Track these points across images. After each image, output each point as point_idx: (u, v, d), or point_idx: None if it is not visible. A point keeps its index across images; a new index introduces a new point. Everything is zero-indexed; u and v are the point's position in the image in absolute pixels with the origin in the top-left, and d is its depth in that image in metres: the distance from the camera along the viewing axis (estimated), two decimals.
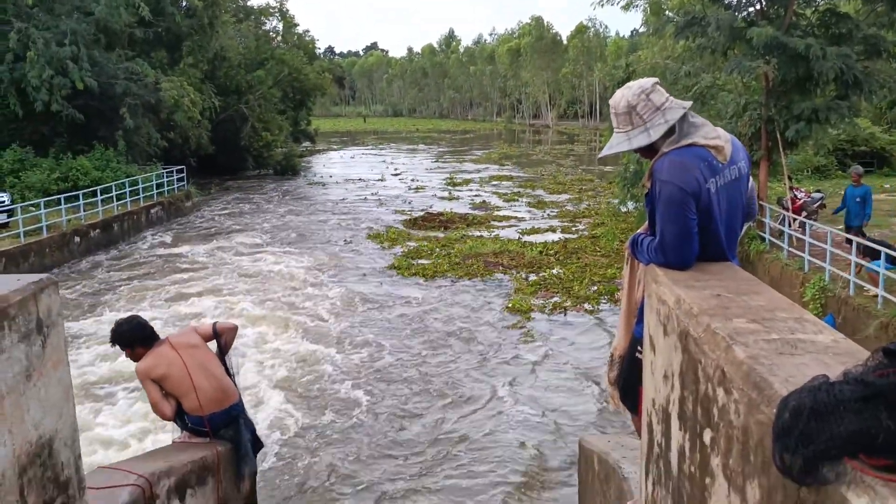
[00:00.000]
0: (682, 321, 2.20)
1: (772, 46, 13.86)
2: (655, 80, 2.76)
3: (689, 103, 2.71)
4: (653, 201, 2.67)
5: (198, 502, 4.28)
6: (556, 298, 14.51)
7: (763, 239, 15.23)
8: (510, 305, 14.04)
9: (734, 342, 1.87)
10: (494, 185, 33.83)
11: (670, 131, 2.64)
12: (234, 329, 5.09)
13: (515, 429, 8.88)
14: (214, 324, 5.01)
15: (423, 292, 15.17)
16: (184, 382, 4.53)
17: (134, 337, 4.65)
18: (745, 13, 15.86)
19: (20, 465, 2.56)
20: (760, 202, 16.06)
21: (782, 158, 15.74)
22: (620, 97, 2.73)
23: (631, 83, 2.77)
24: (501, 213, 25.45)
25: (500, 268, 17.15)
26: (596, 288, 15.16)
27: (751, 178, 2.91)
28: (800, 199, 15.60)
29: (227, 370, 4.87)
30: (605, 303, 14.22)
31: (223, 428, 4.75)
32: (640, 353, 2.86)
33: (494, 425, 8.97)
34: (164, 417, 4.64)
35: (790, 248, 13.87)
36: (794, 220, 14.97)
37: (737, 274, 2.59)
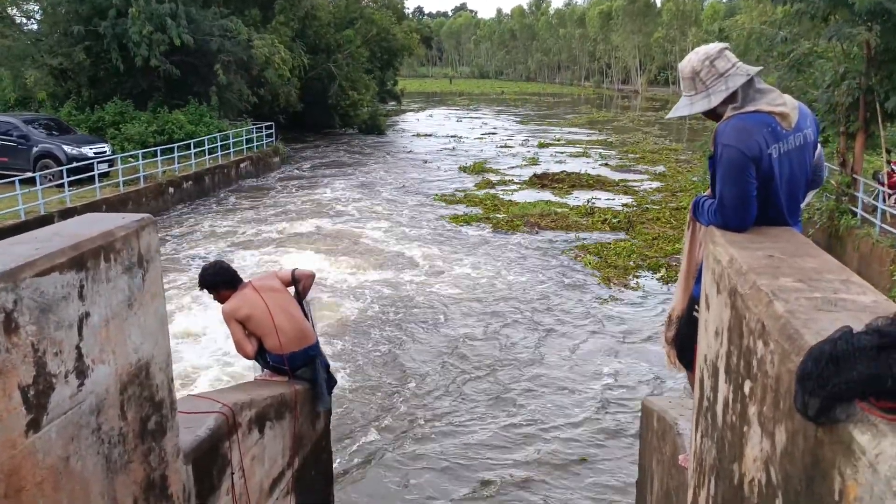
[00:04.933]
0: (733, 279, 2.29)
1: (875, 12, 13.21)
2: (724, 45, 2.81)
3: (755, 69, 2.75)
4: (715, 164, 2.74)
5: (276, 434, 4.60)
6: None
7: (855, 214, 14.70)
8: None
9: (776, 298, 1.96)
10: (579, 150, 33.57)
11: (734, 97, 2.70)
12: (312, 276, 5.36)
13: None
14: (294, 270, 5.30)
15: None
16: (265, 322, 4.83)
17: (218, 280, 4.96)
18: None
19: (121, 383, 2.86)
20: (855, 176, 15.47)
21: (881, 131, 15.08)
22: (687, 62, 2.79)
23: (699, 48, 2.83)
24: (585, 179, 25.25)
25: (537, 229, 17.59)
26: (633, 262, 14.81)
27: (819, 146, 2.94)
28: None
29: (304, 313, 5.16)
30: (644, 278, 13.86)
31: (301, 367, 5.05)
32: (698, 312, 2.95)
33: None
34: (246, 356, 4.95)
35: (883, 225, 13.36)
36: (890, 195, 14.38)
37: (793, 237, 2.64)
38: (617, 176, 25.51)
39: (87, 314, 2.60)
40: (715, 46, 2.82)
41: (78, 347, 2.56)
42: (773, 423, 1.82)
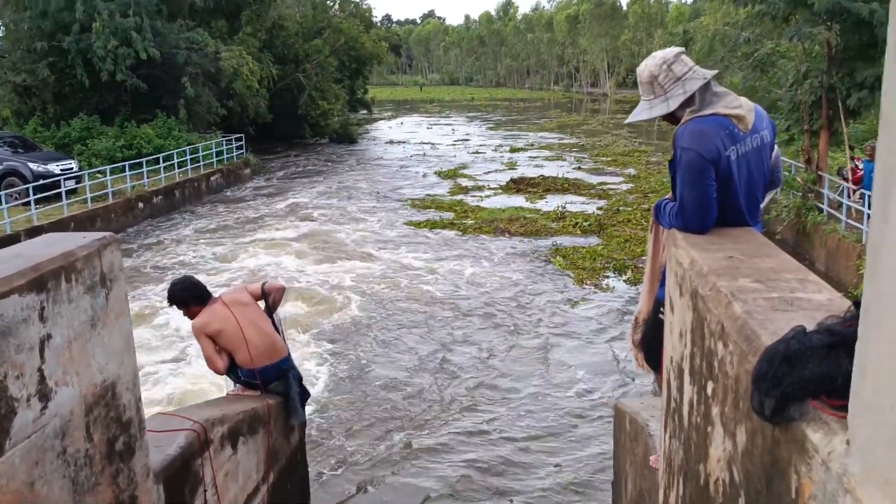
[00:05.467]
0: (694, 281, 2.32)
1: (834, 12, 13.46)
2: (680, 49, 2.85)
3: (711, 73, 2.79)
4: (675, 168, 2.78)
5: (249, 449, 4.56)
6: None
7: (821, 210, 14.93)
8: None
9: (734, 299, 1.99)
10: (552, 154, 33.77)
11: (691, 100, 2.74)
12: (282, 289, 5.34)
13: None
14: (263, 283, 5.27)
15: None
16: (236, 337, 4.80)
17: (187, 296, 4.93)
18: None
19: (86, 405, 2.83)
20: (820, 173, 15.72)
21: (844, 128, 15.36)
22: (644, 67, 2.83)
23: (656, 53, 2.87)
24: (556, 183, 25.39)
25: (507, 234, 17.65)
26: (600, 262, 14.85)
27: (776, 147, 2.99)
28: (861, 170, 15.20)
29: (275, 327, 5.13)
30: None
31: (274, 381, 5.02)
32: (663, 314, 2.98)
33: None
34: (217, 371, 4.92)
35: (849, 221, 13.58)
36: (854, 191, 14.63)
37: (753, 238, 2.68)
38: (591, 179, 25.65)
39: (49, 336, 2.57)
40: (672, 51, 2.86)
41: (40, 370, 2.52)
42: (734, 424, 1.84)
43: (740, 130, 2.71)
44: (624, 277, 13.81)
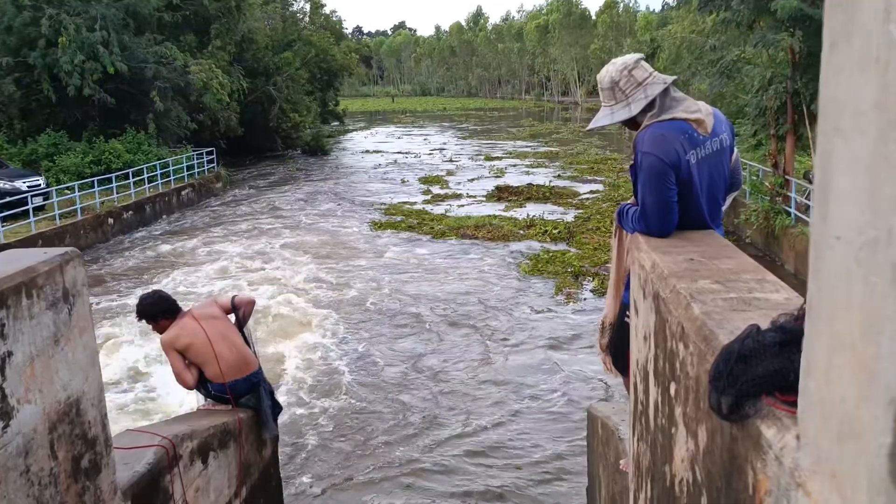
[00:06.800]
0: (656, 284, 2.34)
1: (797, 18, 13.69)
2: (640, 55, 2.89)
3: (671, 78, 2.83)
4: (636, 172, 2.81)
5: (220, 464, 4.52)
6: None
7: (789, 214, 15.15)
8: None
9: (693, 300, 2.01)
10: (531, 162, 33.96)
11: (651, 105, 2.77)
12: (252, 302, 5.31)
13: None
14: (233, 297, 5.24)
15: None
16: (206, 351, 4.76)
17: (157, 310, 4.88)
18: None
19: (50, 422, 2.79)
20: (787, 176, 15.96)
21: (809, 132, 15.60)
22: (605, 73, 2.86)
23: (616, 59, 2.90)
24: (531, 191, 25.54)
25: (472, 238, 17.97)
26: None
27: (735, 150, 3.03)
28: None
29: (245, 340, 5.10)
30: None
31: (245, 395, 4.98)
32: (629, 317, 3.00)
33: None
34: (186, 386, 4.87)
35: None
36: None
37: (714, 241, 2.71)
38: (577, 187, 25.79)
39: (10, 353, 2.54)
40: (632, 57, 2.89)
41: (1, 388, 2.49)
42: (695, 424, 1.86)
43: (700, 134, 2.75)
44: (591, 286, 13.84)
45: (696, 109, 2.77)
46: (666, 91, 2.79)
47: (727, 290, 2.10)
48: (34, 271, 2.73)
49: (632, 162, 2.87)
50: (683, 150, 2.70)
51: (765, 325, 1.57)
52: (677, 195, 2.73)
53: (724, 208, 2.99)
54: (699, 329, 1.86)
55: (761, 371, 1.44)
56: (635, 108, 2.78)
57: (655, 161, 2.68)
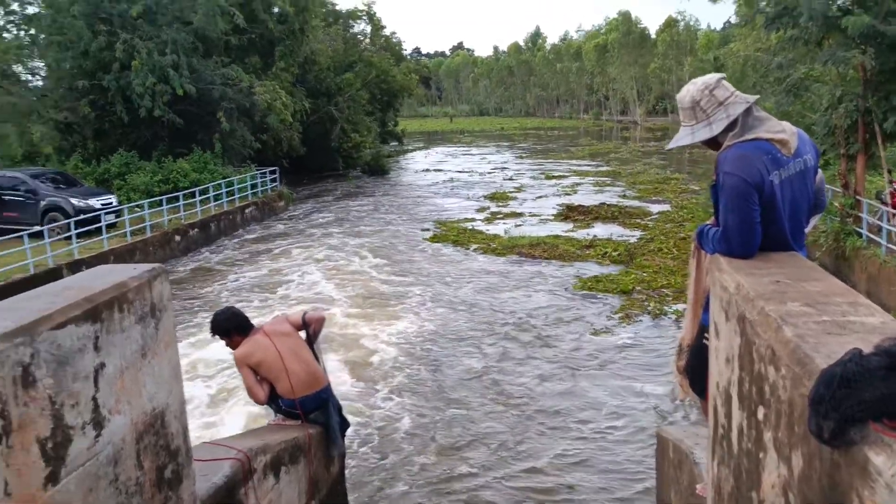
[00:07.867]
0: (741, 306, 2.31)
1: (868, 35, 13.37)
2: (721, 75, 2.86)
3: (753, 98, 2.80)
4: (717, 193, 2.78)
5: (291, 479, 4.58)
6: None
7: (860, 235, 14.69)
8: None
9: (784, 323, 1.98)
10: (587, 181, 33.83)
11: (733, 125, 2.74)
12: (323, 319, 5.39)
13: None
14: (304, 313, 5.32)
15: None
16: (277, 367, 4.85)
17: (230, 326, 4.99)
18: (839, 1, 15.32)
19: (137, 433, 2.88)
20: (858, 197, 15.50)
21: (881, 151, 15.16)
22: (685, 92, 2.85)
23: (696, 79, 2.88)
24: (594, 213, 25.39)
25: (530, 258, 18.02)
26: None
27: (819, 171, 2.97)
28: None
29: (315, 357, 5.17)
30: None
31: (314, 411, 5.05)
32: (708, 339, 2.96)
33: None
34: (258, 401, 4.96)
35: (889, 245, 13.35)
36: (894, 215, 14.40)
37: (799, 262, 2.66)
38: (636, 207, 25.55)
39: (103, 365, 2.63)
40: (713, 77, 2.87)
41: (94, 399, 2.58)
42: (788, 449, 1.83)
43: (783, 155, 2.71)
44: (650, 308, 13.61)
45: (780, 129, 2.73)
46: (748, 110, 2.76)
47: (819, 312, 2.06)
48: (125, 286, 2.83)
49: (713, 182, 2.84)
50: (766, 170, 2.66)
51: (865, 348, 1.54)
52: (760, 216, 2.69)
53: (807, 230, 2.93)
54: (792, 352, 1.82)
55: (868, 396, 1.40)
56: (717, 128, 2.76)
57: (738, 181, 2.65)
